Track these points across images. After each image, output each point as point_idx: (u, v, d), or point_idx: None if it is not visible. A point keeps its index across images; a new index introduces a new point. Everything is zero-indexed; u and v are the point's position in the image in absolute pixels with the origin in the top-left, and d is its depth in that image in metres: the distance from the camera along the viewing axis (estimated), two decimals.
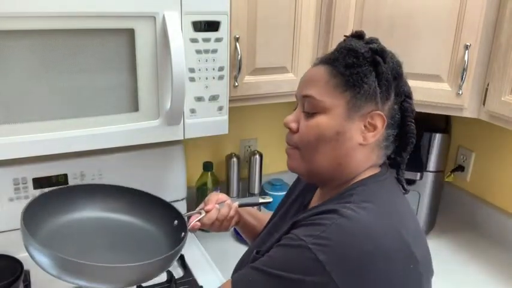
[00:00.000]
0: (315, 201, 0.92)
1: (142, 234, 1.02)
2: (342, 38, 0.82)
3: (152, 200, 1.04)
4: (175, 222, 1.00)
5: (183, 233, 0.94)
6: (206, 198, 1.04)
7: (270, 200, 1.11)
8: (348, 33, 1.35)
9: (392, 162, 0.88)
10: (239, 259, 1.00)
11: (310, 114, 0.80)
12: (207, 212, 1.00)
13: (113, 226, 1.01)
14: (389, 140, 0.82)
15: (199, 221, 0.99)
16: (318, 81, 0.80)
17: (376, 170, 0.83)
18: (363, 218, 0.72)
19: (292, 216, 0.94)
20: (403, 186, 0.86)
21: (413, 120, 0.83)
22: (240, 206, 1.06)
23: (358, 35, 0.83)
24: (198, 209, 1.02)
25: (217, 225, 1.03)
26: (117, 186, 1.04)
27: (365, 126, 0.79)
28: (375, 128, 0.79)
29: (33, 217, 0.88)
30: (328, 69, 0.80)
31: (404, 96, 0.82)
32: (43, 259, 0.78)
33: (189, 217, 1.01)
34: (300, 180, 1.06)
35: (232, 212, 1.03)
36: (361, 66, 0.78)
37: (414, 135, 0.84)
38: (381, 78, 0.78)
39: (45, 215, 0.94)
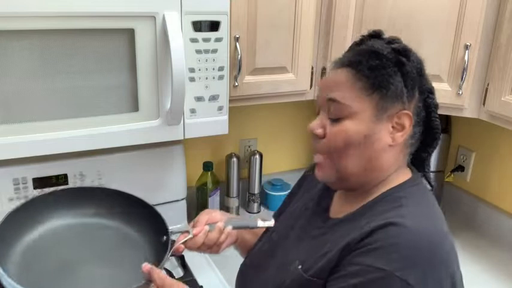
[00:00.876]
0: (337, 207, 0.88)
1: (124, 241, 0.92)
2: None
3: (136, 203, 0.94)
4: (164, 238, 0.88)
5: (164, 255, 0.85)
6: (196, 218, 0.95)
7: (271, 223, 0.95)
8: (348, 33, 1.37)
9: (413, 159, 0.87)
10: (247, 263, 0.98)
11: (336, 119, 0.78)
12: (194, 235, 0.90)
13: (92, 232, 0.92)
14: (415, 137, 0.82)
15: (185, 243, 0.89)
16: (343, 85, 0.78)
17: (405, 171, 0.84)
18: (424, 224, 0.73)
19: (320, 224, 0.88)
20: (429, 182, 0.87)
21: (437, 115, 0.83)
22: (235, 229, 0.94)
23: (377, 34, 0.82)
24: (188, 226, 0.93)
25: (205, 249, 0.93)
26: (101, 188, 0.98)
27: (393, 126, 0.78)
28: (402, 127, 0.78)
29: (2, 242, 0.80)
30: (352, 73, 0.77)
31: (427, 92, 0.82)
32: None
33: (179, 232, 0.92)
34: (306, 182, 1.03)
35: (222, 237, 0.93)
36: (386, 68, 0.77)
37: (440, 130, 0.84)
38: (407, 78, 0.78)
39: (15, 235, 0.85)
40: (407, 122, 0.78)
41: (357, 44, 0.83)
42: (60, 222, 0.91)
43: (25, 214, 0.87)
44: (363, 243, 0.72)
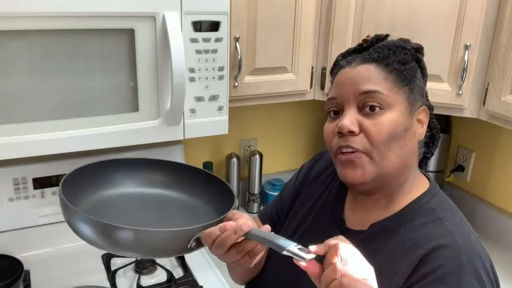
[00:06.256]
0: (353, 215, 0.85)
1: (189, 208, 0.92)
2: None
3: (200, 175, 0.94)
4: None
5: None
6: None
7: (310, 256, 0.63)
8: (348, 33, 1.37)
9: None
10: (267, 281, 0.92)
11: (374, 113, 0.74)
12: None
13: (157, 200, 0.92)
14: (426, 136, 0.83)
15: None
16: (376, 77, 0.75)
17: (420, 174, 0.84)
18: (470, 237, 0.76)
19: (336, 235, 0.80)
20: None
21: (433, 115, 0.84)
22: (251, 237, 0.72)
23: (386, 36, 0.83)
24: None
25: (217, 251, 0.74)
26: (160, 160, 0.96)
27: (417, 121, 0.79)
28: (423, 123, 0.79)
29: (70, 192, 0.80)
30: (381, 66, 0.76)
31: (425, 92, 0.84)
32: (88, 228, 0.74)
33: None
34: (309, 185, 0.98)
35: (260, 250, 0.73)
36: (410, 63, 0.78)
37: (439, 129, 0.85)
38: (423, 74, 0.80)
39: (82, 190, 0.87)
40: (425, 117, 0.80)
41: (365, 46, 0.82)
42: (130, 189, 0.93)
43: (97, 172, 0.90)
44: (424, 271, 0.71)
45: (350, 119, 0.74)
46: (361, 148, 0.74)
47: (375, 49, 0.79)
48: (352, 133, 0.74)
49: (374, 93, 0.74)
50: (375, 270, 0.72)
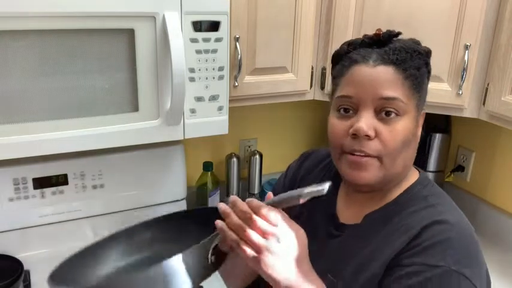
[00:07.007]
0: (346, 210, 0.86)
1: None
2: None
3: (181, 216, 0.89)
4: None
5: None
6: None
7: (325, 187, 0.66)
8: (348, 33, 1.37)
9: None
10: None
11: (389, 118, 0.74)
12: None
13: (150, 261, 0.85)
14: None
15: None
16: (396, 82, 0.74)
17: (413, 168, 0.85)
18: (463, 219, 0.76)
19: (333, 232, 0.85)
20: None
21: None
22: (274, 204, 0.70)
23: (397, 34, 0.81)
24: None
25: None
26: (136, 225, 0.88)
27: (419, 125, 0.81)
28: (420, 125, 0.81)
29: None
30: (400, 70, 0.75)
31: None
32: None
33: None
34: (302, 178, 1.00)
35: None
36: (422, 68, 0.78)
37: (423, 128, 0.87)
38: (428, 77, 0.81)
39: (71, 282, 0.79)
40: (422, 121, 0.81)
41: (376, 40, 0.79)
42: (115, 264, 0.87)
43: (84, 259, 0.86)
44: (412, 244, 0.72)
45: (367, 123, 0.73)
46: (374, 153, 0.74)
47: (392, 50, 0.77)
48: (367, 137, 0.74)
49: (394, 99, 0.74)
50: (368, 256, 0.74)
